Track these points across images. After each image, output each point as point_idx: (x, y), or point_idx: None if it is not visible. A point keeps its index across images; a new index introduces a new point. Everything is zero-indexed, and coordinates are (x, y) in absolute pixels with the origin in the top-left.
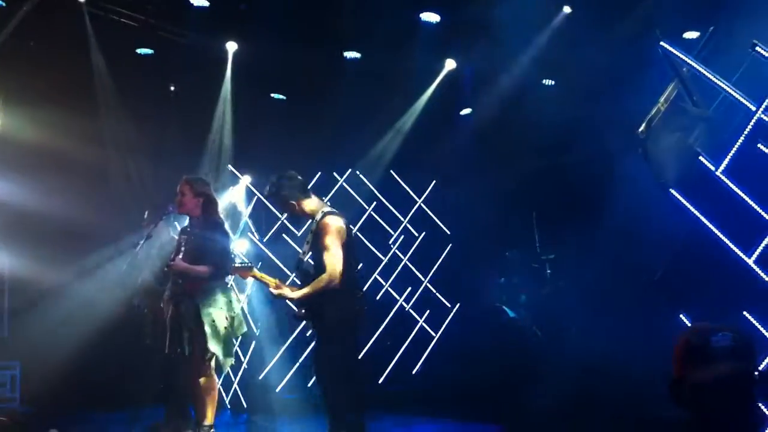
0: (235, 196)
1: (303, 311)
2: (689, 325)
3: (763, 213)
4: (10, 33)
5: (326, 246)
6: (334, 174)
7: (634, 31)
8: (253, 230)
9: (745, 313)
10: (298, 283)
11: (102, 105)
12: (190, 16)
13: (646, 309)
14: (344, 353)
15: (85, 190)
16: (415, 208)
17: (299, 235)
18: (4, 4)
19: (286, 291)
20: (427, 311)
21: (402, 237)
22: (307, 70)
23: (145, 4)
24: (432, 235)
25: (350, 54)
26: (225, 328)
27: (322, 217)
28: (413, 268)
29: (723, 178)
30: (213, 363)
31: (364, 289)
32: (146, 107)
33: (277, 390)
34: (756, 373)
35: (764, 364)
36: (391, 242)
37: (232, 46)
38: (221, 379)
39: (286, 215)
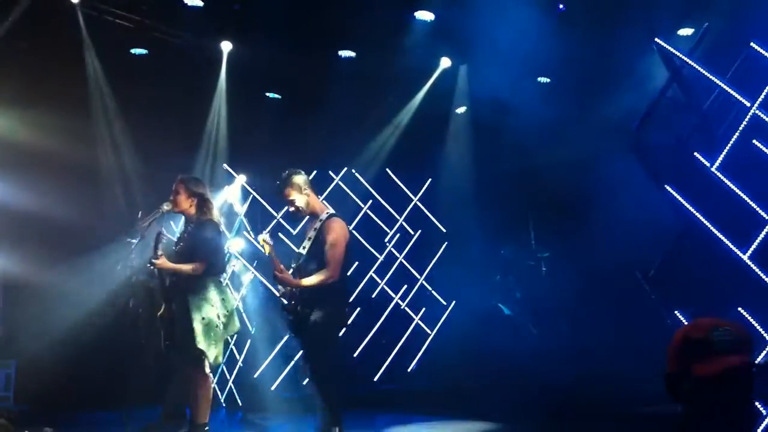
0: (231, 195)
1: (292, 303)
2: (685, 322)
3: (758, 209)
4: (2, 34)
5: (333, 245)
6: (330, 172)
7: (629, 29)
8: (249, 229)
9: (740, 309)
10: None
11: (96, 105)
12: (184, 16)
13: (640, 306)
14: (335, 351)
15: (79, 191)
16: (411, 206)
17: (294, 233)
18: None
19: (289, 276)
20: (423, 309)
21: (398, 235)
22: (302, 69)
23: (140, 5)
24: (427, 233)
25: (345, 53)
26: (217, 326)
27: (329, 217)
28: (409, 266)
29: (718, 174)
30: (207, 361)
31: (360, 286)
32: (141, 107)
33: (272, 388)
34: (753, 366)
35: (759, 358)
36: (386, 240)
37: (226, 46)
38: (216, 378)
39: (285, 211)
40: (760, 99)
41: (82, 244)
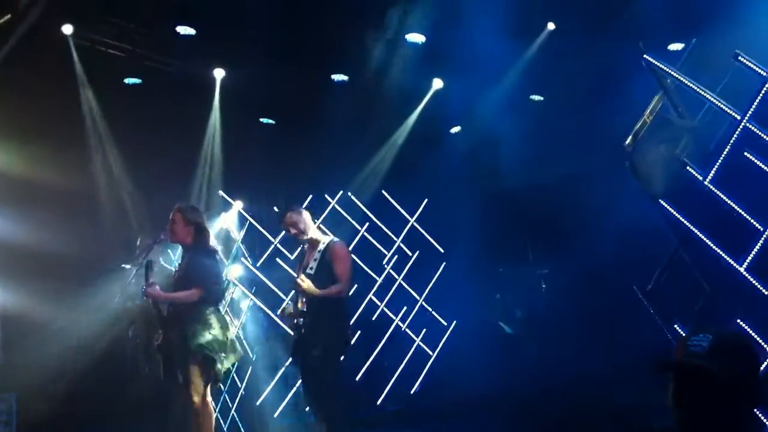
0: (228, 222)
1: (293, 311)
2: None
3: (752, 221)
4: None
5: (342, 265)
6: (326, 196)
7: (617, 45)
8: (246, 255)
9: (739, 321)
10: (299, 303)
11: (91, 135)
12: (176, 44)
13: (638, 320)
14: (338, 369)
15: (76, 222)
16: (408, 227)
17: (292, 258)
18: None
19: (310, 285)
20: (424, 330)
21: (396, 257)
22: (295, 94)
23: (132, 34)
24: (426, 253)
25: (338, 77)
26: (216, 352)
27: (333, 243)
28: (408, 287)
29: (711, 187)
30: (209, 389)
31: (360, 309)
32: (135, 136)
33: (275, 415)
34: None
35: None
36: (384, 262)
37: (219, 73)
38: (219, 405)
39: (284, 235)
40: (750, 111)
41: (80, 275)
